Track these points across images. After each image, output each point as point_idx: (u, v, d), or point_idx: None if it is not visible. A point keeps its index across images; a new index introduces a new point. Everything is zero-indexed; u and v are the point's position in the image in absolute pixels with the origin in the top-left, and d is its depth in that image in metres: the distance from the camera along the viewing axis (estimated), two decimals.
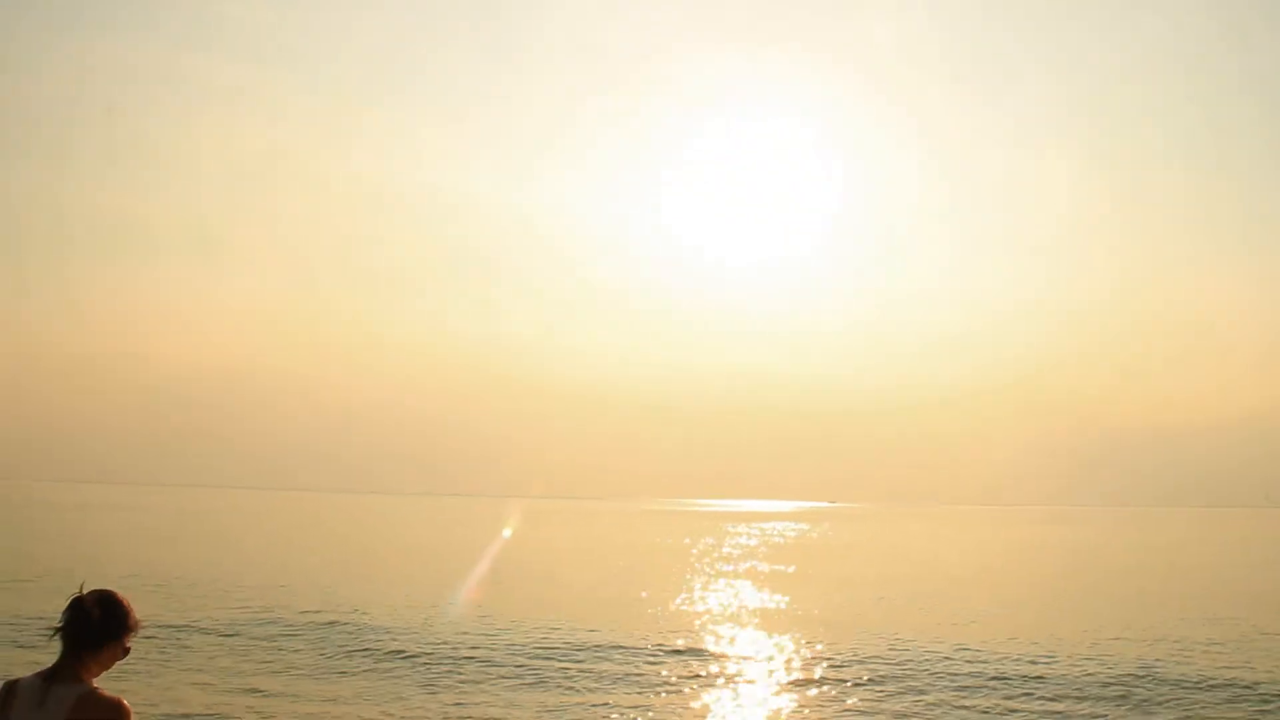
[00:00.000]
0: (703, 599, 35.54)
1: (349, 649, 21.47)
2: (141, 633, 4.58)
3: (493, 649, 22.03)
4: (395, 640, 22.66)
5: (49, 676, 4.26)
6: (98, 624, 4.33)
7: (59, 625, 4.35)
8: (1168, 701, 17.16)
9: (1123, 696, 17.55)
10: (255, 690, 17.61)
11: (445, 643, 22.61)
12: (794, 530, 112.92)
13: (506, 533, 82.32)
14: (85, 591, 4.40)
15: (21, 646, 20.70)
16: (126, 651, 4.44)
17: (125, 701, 4.25)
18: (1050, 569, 55.40)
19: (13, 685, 4.28)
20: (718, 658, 22.10)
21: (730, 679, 19.90)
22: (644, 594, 36.10)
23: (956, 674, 19.46)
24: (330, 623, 24.27)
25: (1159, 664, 20.12)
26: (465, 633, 24.05)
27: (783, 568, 52.74)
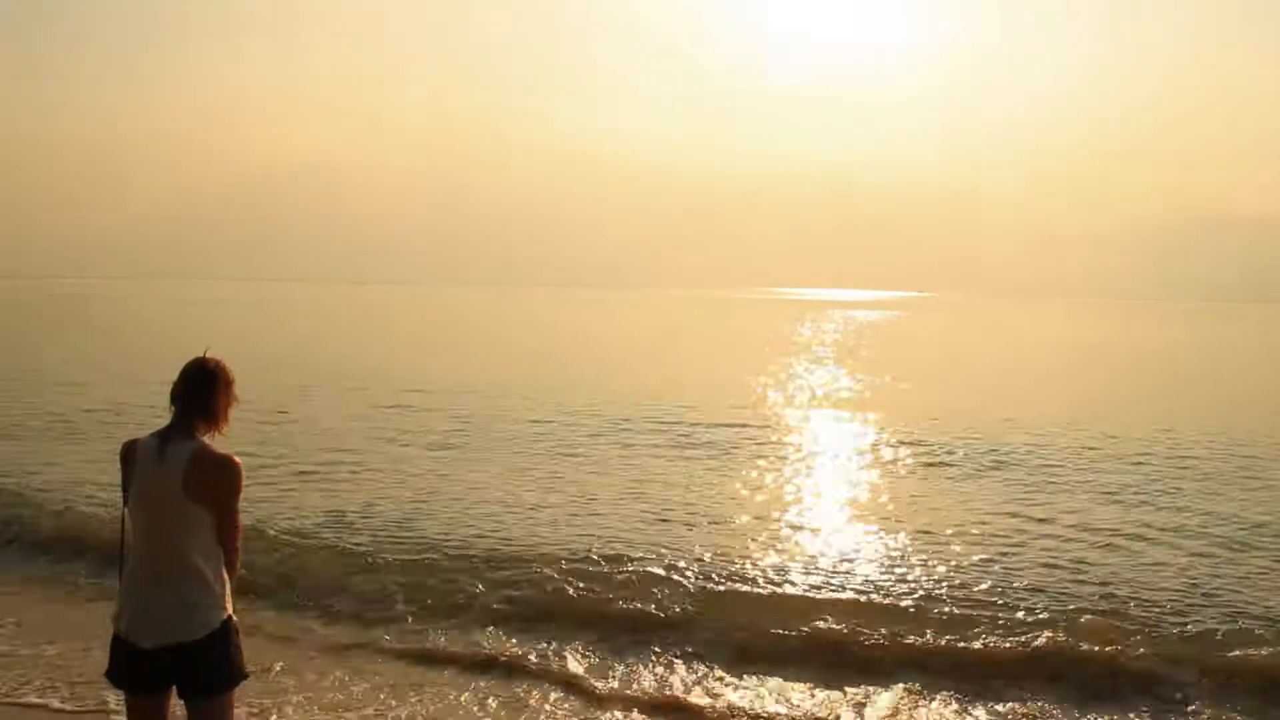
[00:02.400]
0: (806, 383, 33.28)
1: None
2: None
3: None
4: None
5: (164, 436, 4.48)
6: (215, 386, 4.56)
7: (174, 386, 4.55)
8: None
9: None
10: None
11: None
12: (886, 317, 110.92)
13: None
14: (206, 354, 4.63)
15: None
16: (226, 421, 4.64)
17: (236, 458, 4.50)
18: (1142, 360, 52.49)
19: (133, 443, 4.55)
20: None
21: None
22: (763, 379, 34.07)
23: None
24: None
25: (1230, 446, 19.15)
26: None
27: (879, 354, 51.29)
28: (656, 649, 8.31)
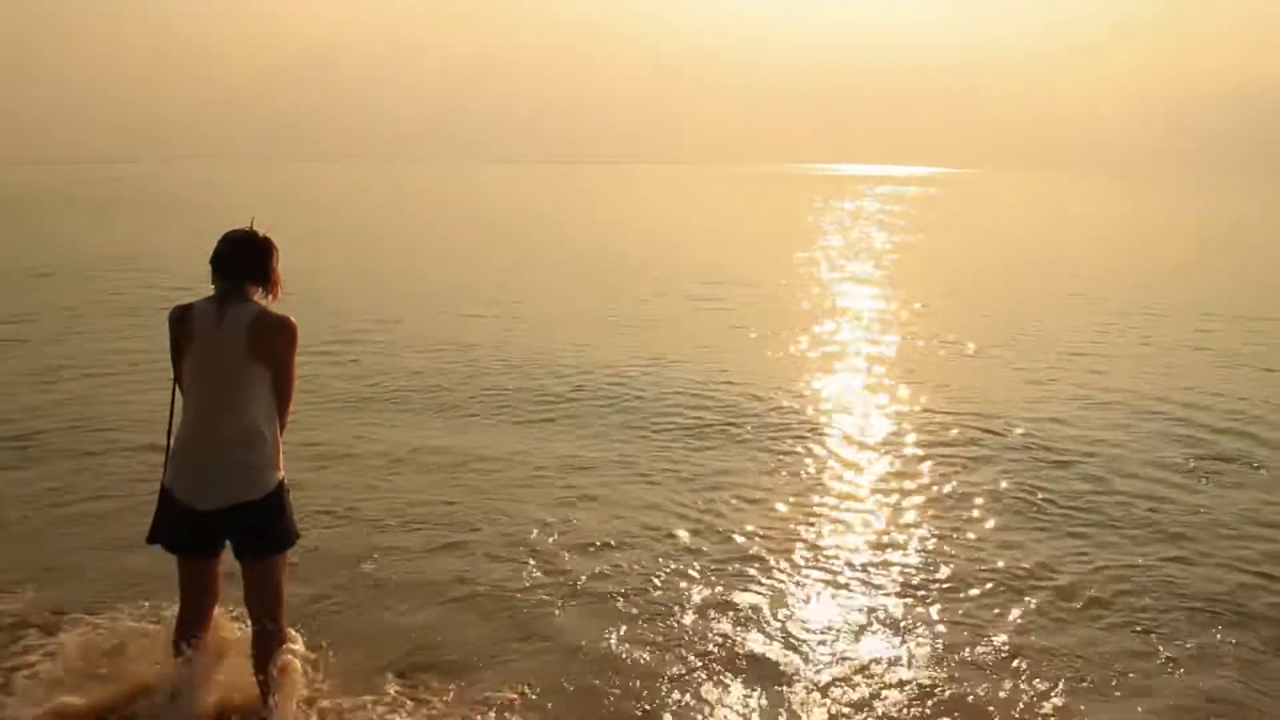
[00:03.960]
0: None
1: None
2: None
3: None
4: None
5: (220, 300, 4.59)
6: (269, 255, 4.71)
7: (217, 255, 4.64)
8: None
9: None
10: None
11: None
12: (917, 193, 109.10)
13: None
14: (253, 226, 4.73)
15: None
16: (279, 291, 4.76)
17: (293, 319, 4.64)
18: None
19: (188, 306, 4.64)
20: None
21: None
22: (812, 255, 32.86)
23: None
24: None
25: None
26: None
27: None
28: None
